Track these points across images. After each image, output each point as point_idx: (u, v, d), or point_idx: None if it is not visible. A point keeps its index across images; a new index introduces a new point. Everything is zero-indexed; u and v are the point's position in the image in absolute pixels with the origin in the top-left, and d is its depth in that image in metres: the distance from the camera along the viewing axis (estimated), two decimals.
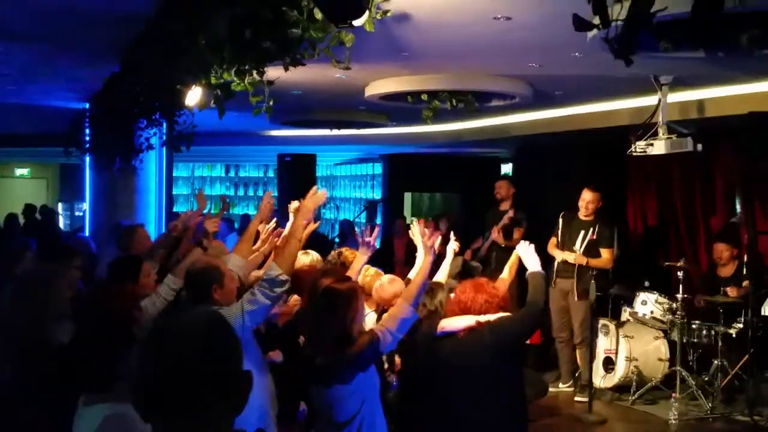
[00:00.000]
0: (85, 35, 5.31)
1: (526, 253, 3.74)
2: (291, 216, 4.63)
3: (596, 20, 1.98)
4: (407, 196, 12.39)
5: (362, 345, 2.98)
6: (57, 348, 2.86)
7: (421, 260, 3.51)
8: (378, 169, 13.11)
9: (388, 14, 3.86)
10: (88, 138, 8.45)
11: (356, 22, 3.31)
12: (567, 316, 6.82)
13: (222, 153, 13.80)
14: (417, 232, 4.07)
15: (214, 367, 1.40)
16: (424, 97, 6.43)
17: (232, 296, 3.23)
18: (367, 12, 3.29)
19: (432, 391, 3.41)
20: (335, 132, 9.33)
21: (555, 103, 7.34)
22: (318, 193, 3.49)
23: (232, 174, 15.78)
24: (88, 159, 9.04)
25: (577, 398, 6.71)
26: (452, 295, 3.61)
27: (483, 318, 3.34)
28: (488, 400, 3.32)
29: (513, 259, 4.10)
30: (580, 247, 6.60)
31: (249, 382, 1.45)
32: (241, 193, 15.55)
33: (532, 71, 5.73)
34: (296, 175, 11.88)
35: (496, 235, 7.37)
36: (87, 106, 8.74)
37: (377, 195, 12.95)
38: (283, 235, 4.55)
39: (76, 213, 15.28)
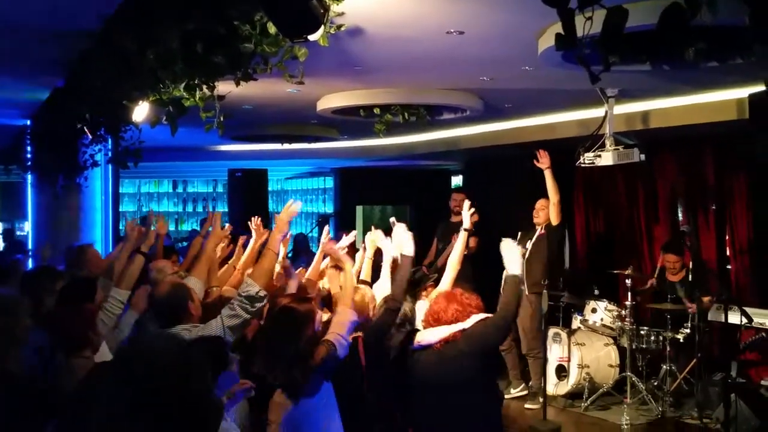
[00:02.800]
0: (28, 51, 5.15)
1: (508, 252, 3.52)
2: (253, 232, 4.61)
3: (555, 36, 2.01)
4: (359, 209, 12.38)
5: (321, 355, 2.96)
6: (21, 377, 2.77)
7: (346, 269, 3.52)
8: (329, 182, 13.08)
9: (342, 28, 3.86)
10: (29, 155, 8.19)
11: (311, 37, 3.30)
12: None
13: (169, 168, 13.55)
14: (376, 239, 4.11)
15: (183, 395, 1.35)
16: (377, 110, 6.45)
17: (200, 310, 3.21)
18: (322, 27, 3.29)
19: (411, 405, 3.40)
20: (286, 146, 9.28)
21: (504, 115, 7.46)
22: (293, 206, 3.50)
23: (180, 189, 15.50)
24: (29, 177, 8.76)
25: (527, 405, 6.80)
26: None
27: (457, 327, 3.34)
28: (467, 410, 3.30)
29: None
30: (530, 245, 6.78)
31: (220, 410, 1.41)
32: (189, 209, 15.29)
33: (484, 85, 5.81)
34: (247, 190, 11.76)
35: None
36: (28, 122, 8.48)
37: (329, 209, 12.90)
38: (249, 248, 4.54)
39: (17, 233, 14.74)
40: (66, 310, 3.32)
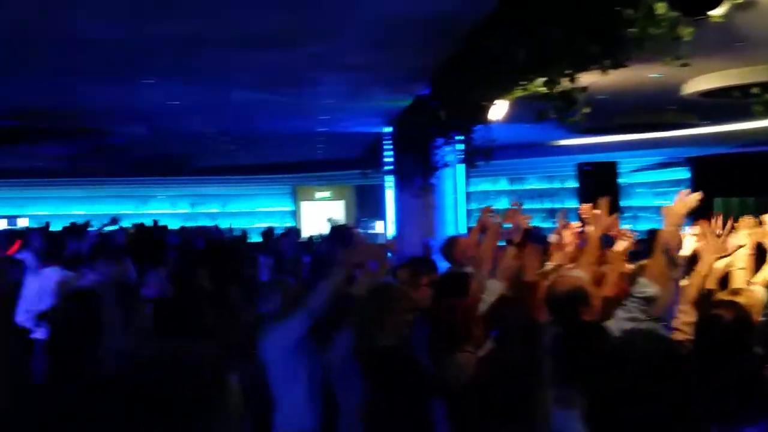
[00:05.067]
0: (400, 63, 5.52)
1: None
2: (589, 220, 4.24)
3: None
4: (716, 202, 11.16)
5: None
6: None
7: None
8: (682, 174, 12.05)
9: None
10: (388, 159, 8.87)
11: (713, 12, 2.94)
12: None
13: (505, 166, 13.70)
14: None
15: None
16: (755, 90, 5.66)
17: (598, 311, 3.06)
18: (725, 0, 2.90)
19: None
20: (638, 136, 8.74)
21: None
22: (690, 197, 3.14)
23: (516, 187, 15.65)
24: (389, 179, 9.49)
25: None
26: None
27: None
28: None
29: None
30: None
31: None
32: (526, 206, 15.33)
33: None
34: (597, 183, 11.31)
35: None
36: (385, 129, 9.20)
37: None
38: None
39: (369, 231, 16.26)
40: (444, 304, 3.41)
